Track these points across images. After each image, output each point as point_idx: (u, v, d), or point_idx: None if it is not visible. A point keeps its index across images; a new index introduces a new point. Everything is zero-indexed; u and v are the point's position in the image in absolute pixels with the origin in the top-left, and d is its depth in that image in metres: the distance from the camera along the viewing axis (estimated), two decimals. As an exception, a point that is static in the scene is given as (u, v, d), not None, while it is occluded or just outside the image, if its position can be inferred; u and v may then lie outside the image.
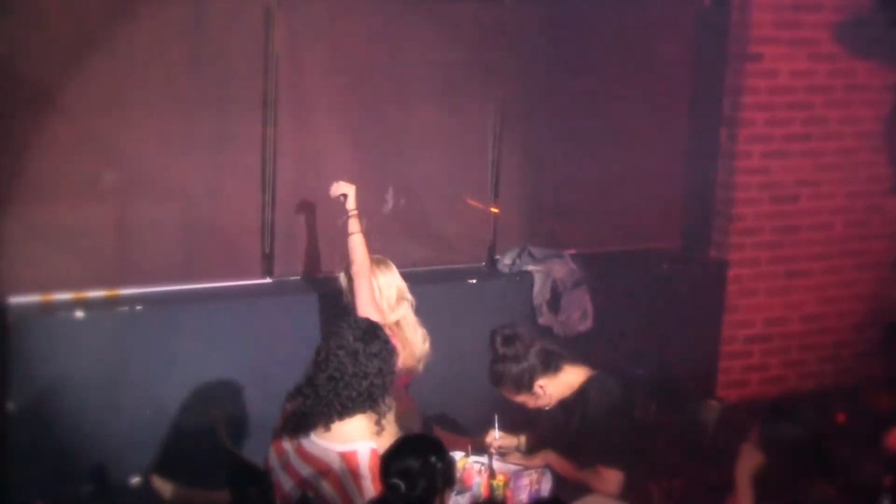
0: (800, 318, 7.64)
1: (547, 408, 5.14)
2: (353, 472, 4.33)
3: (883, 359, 7.40)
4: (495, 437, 5.15)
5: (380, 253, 6.59)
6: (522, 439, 5.29)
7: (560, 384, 5.10)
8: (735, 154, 7.29)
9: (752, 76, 7.21)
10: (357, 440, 4.38)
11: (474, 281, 6.68)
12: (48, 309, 5.83)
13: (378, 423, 4.49)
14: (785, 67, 7.27)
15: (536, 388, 5.06)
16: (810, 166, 7.47)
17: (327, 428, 4.40)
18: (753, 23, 7.13)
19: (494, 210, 6.87)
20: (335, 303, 6.05)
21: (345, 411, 4.40)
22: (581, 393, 5.07)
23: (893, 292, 7.81)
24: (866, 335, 7.77)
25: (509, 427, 5.32)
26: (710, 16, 7.28)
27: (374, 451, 4.33)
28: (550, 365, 5.08)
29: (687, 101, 7.41)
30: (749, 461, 4.31)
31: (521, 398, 5.12)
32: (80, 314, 5.79)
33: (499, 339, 5.12)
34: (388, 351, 4.51)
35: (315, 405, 4.42)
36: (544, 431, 5.24)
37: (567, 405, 5.11)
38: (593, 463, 4.95)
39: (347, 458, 4.34)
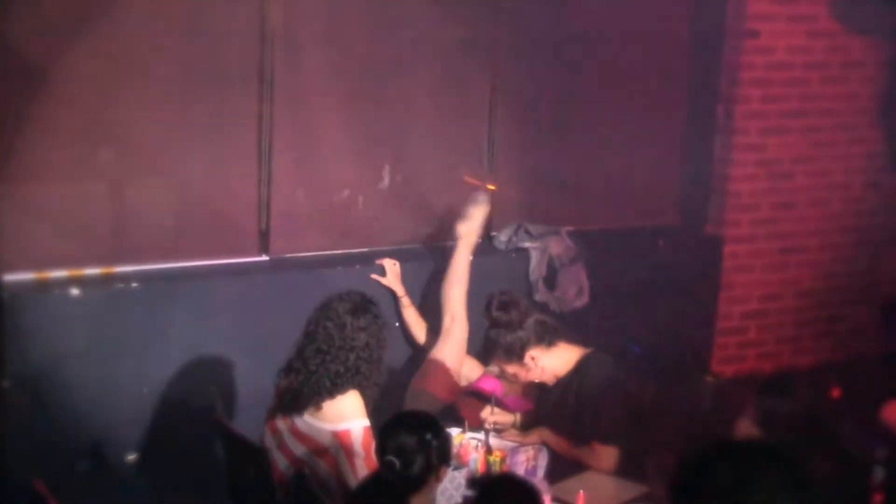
0: (795, 294, 7.64)
1: (539, 382, 5.12)
2: (346, 451, 4.34)
3: (880, 337, 7.40)
4: (491, 412, 5.15)
5: (376, 231, 6.62)
6: (518, 416, 5.29)
7: (554, 359, 5.08)
8: (732, 130, 7.28)
9: (750, 53, 7.19)
10: (350, 419, 4.38)
11: (471, 258, 6.67)
12: (44, 286, 5.82)
13: (367, 399, 4.49)
14: (782, 44, 7.25)
15: (527, 359, 5.04)
16: (807, 143, 7.47)
17: (319, 407, 4.40)
18: (751, -1, 7.12)
19: (491, 187, 6.87)
20: (331, 280, 6.05)
21: (334, 388, 4.40)
22: (577, 371, 5.07)
23: (890, 268, 7.81)
24: (862, 311, 7.78)
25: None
26: (707, -9, 7.27)
27: (367, 430, 4.33)
28: (545, 337, 5.06)
29: (685, 78, 7.40)
30: (744, 436, 4.32)
31: (513, 369, 5.10)
32: (75, 291, 5.79)
33: (494, 304, 5.09)
34: (378, 326, 4.50)
35: (305, 381, 4.42)
36: (540, 409, 5.24)
37: (563, 383, 5.11)
38: (589, 440, 4.95)
39: (341, 437, 4.35)
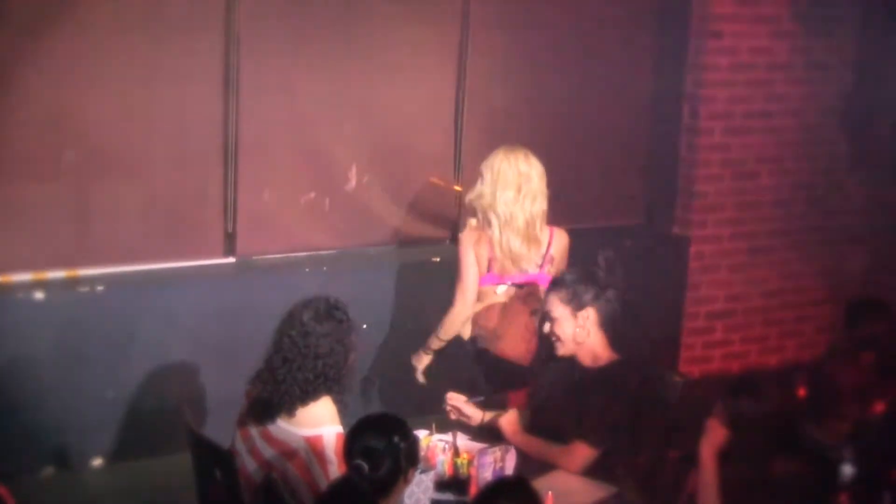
0: (761, 294, 7.68)
1: (563, 347, 4.98)
2: (318, 457, 4.31)
3: (844, 336, 7.44)
4: (456, 398, 5.10)
5: (344, 232, 6.59)
6: (485, 415, 5.22)
7: (593, 340, 4.97)
8: (697, 131, 7.31)
9: (713, 53, 7.22)
10: (322, 424, 4.36)
11: (438, 259, 6.67)
12: (7, 290, 5.77)
13: (340, 404, 4.46)
14: (745, 45, 7.28)
15: (581, 314, 4.93)
16: (772, 143, 7.51)
17: (292, 413, 4.37)
18: (714, 0, 7.14)
19: (458, 188, 6.86)
20: (298, 282, 6.03)
21: (305, 395, 4.37)
22: (605, 374, 4.92)
23: (853, 267, 7.87)
24: (827, 311, 7.82)
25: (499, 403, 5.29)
26: (671, -8, 7.30)
27: (339, 436, 4.31)
28: (609, 313, 4.98)
29: (649, 79, 7.42)
30: (713, 437, 4.33)
31: (558, 314, 4.96)
32: (39, 295, 5.75)
33: (602, 255, 5.01)
34: (343, 330, 4.46)
35: (275, 391, 4.40)
36: (540, 383, 5.15)
37: (577, 373, 4.97)
38: (570, 437, 4.86)
39: (313, 443, 4.32)
